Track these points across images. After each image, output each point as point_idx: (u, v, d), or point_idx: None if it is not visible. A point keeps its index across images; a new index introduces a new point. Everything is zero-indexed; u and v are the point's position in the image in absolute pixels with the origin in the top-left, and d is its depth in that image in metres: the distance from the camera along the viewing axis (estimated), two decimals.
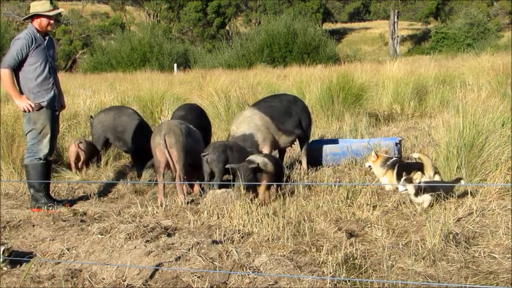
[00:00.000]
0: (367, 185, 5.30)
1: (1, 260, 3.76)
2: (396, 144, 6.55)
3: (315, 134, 8.33)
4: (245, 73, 18.22)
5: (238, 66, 26.16)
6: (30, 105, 5.22)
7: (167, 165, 5.37)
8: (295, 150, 7.41)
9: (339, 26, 63.87)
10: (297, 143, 6.61)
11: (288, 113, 6.27)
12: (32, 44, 5.22)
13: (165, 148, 5.24)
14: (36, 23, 5.33)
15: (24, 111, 5.26)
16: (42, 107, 5.27)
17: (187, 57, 33.77)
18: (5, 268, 3.78)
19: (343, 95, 9.64)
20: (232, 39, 39.89)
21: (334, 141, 7.33)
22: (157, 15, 53.12)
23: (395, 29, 51.75)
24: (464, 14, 42.53)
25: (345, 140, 7.30)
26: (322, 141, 7.32)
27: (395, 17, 51.99)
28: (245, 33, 38.51)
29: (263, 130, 6.01)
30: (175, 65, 26.74)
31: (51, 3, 5.39)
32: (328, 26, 58.26)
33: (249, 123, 6.01)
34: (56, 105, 5.41)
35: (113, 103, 10.21)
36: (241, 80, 14.32)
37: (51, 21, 5.36)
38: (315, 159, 6.64)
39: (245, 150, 5.64)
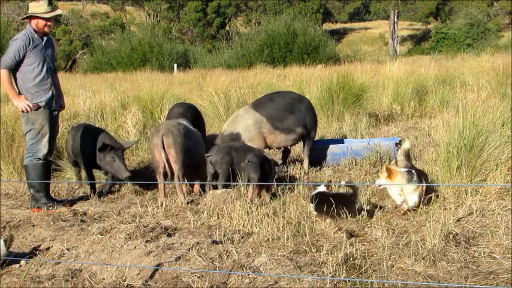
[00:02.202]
0: (367, 185, 5.30)
1: (3, 252, 3.76)
2: (396, 144, 6.55)
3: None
4: (245, 73, 18.22)
5: (238, 66, 26.14)
6: (28, 105, 5.23)
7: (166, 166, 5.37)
8: (294, 151, 7.41)
9: (339, 26, 63.86)
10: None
11: (289, 111, 6.24)
12: (29, 45, 5.22)
13: (162, 149, 5.24)
14: (34, 23, 5.34)
15: (23, 111, 5.28)
16: (40, 107, 5.28)
17: (187, 57, 33.75)
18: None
19: (343, 95, 9.64)
20: (232, 39, 39.87)
21: (334, 141, 7.33)
22: (157, 15, 53.14)
23: (395, 29, 51.75)
24: (464, 14, 42.52)
25: (345, 140, 7.29)
26: (321, 142, 7.32)
27: (395, 17, 51.98)
28: (245, 33, 38.49)
29: (252, 130, 6.01)
30: (175, 65, 26.72)
31: (49, 4, 5.39)
32: (328, 26, 58.25)
33: (239, 122, 6.05)
34: (54, 105, 5.41)
35: (113, 103, 10.19)
36: (241, 80, 14.32)
37: (48, 23, 5.36)
38: (316, 160, 6.64)
39: (251, 151, 5.66)
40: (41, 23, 5.33)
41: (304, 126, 6.33)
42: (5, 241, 3.81)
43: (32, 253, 4.07)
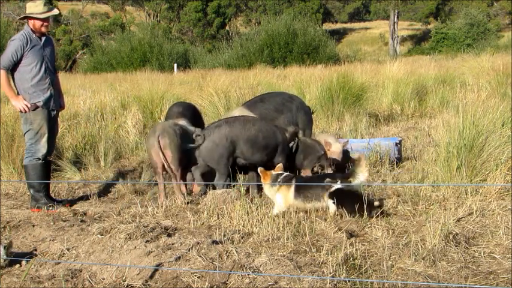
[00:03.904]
0: (367, 185, 5.30)
1: (2, 258, 3.76)
2: (396, 144, 6.55)
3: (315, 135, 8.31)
4: (245, 73, 18.22)
5: (238, 66, 26.16)
6: (26, 106, 5.23)
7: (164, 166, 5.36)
8: None
9: (339, 26, 63.92)
10: None
11: (279, 111, 6.27)
12: (26, 45, 5.23)
13: (159, 149, 5.24)
14: (31, 23, 5.34)
15: (21, 111, 5.28)
16: (37, 107, 5.28)
17: (187, 57, 33.77)
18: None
19: (343, 95, 9.64)
20: (232, 39, 39.88)
21: None
22: (157, 15, 53.17)
23: (395, 29, 51.78)
24: (464, 14, 42.56)
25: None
26: None
27: (395, 17, 52.02)
28: (245, 33, 38.50)
29: None
30: (175, 65, 26.73)
31: (45, 4, 5.38)
32: (328, 26, 58.28)
33: None
34: (52, 105, 5.40)
35: (113, 103, 10.22)
36: (241, 80, 14.32)
37: (45, 23, 5.36)
38: None
39: None
40: (38, 23, 5.33)
41: (296, 125, 6.35)
42: (4, 247, 3.81)
43: (32, 253, 4.07)
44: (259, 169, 4.96)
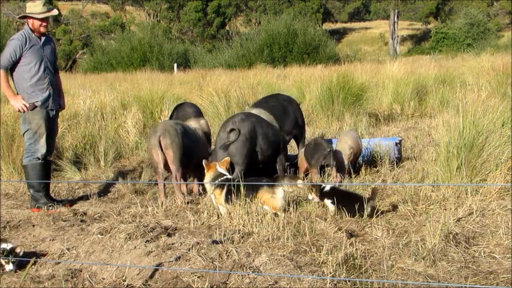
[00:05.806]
0: (367, 185, 5.30)
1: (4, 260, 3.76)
2: (396, 144, 6.55)
3: (315, 134, 8.33)
4: (245, 73, 18.22)
5: (238, 66, 26.15)
6: (25, 105, 5.23)
7: (165, 166, 5.37)
8: (294, 149, 7.39)
9: (339, 26, 63.91)
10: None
11: (286, 113, 6.33)
12: (25, 45, 5.22)
13: (160, 149, 5.24)
14: (30, 23, 5.34)
15: (19, 111, 5.28)
16: (36, 107, 5.28)
17: (187, 57, 33.77)
18: (7, 266, 3.77)
19: (343, 95, 9.64)
20: (232, 39, 39.88)
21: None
22: (157, 15, 53.16)
23: (395, 29, 51.76)
24: (464, 14, 42.57)
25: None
26: None
27: (395, 17, 52.00)
28: (245, 33, 38.51)
29: None
30: (175, 65, 26.73)
31: (45, 4, 5.38)
32: (328, 26, 58.27)
33: None
34: (50, 105, 5.39)
35: (113, 103, 10.21)
36: (241, 80, 14.33)
37: (44, 23, 5.35)
38: None
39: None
40: (37, 23, 5.32)
41: (297, 126, 6.44)
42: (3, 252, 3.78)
43: (36, 253, 4.06)
44: (204, 161, 4.98)
